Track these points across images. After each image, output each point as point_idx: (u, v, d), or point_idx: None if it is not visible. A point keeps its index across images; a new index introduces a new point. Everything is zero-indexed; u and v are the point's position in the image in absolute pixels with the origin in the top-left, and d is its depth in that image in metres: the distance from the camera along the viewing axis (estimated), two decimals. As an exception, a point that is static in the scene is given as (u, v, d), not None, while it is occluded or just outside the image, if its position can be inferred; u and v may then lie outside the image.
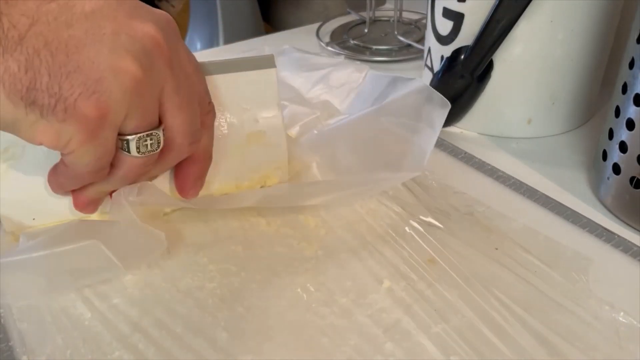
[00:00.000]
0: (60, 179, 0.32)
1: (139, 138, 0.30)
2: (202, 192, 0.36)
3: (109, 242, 0.32)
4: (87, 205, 0.34)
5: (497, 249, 0.35)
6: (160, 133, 0.30)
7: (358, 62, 0.55)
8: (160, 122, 0.31)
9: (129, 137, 0.29)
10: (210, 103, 0.34)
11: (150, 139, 0.30)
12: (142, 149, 0.30)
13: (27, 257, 0.32)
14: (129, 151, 0.30)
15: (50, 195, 0.34)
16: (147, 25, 0.28)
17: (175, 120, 0.31)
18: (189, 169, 0.35)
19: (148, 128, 0.30)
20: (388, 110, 0.39)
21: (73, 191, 0.34)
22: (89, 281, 0.33)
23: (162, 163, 0.33)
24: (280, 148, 0.39)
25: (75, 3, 0.27)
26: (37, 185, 0.34)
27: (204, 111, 0.33)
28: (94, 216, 0.35)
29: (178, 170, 0.35)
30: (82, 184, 0.32)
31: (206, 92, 0.34)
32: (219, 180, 0.38)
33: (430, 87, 0.37)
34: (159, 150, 0.31)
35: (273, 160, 0.39)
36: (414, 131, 0.38)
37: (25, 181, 0.34)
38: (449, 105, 0.36)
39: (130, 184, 0.33)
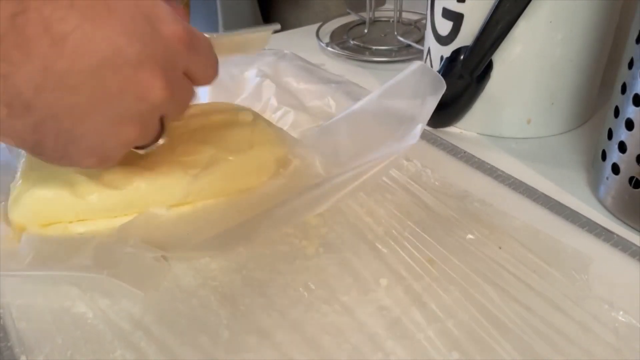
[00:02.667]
0: None
1: (144, 149, 0.32)
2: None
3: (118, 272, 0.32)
4: None
5: (500, 247, 0.35)
6: (164, 137, 0.32)
7: (360, 86, 0.55)
8: (162, 128, 0.32)
9: (136, 150, 0.32)
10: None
11: (157, 144, 0.32)
12: (153, 148, 0.32)
13: (30, 274, 0.33)
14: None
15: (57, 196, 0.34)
16: (155, 77, 0.28)
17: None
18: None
19: (153, 141, 0.32)
20: (387, 93, 0.39)
21: None
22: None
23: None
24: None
25: (82, 56, 0.25)
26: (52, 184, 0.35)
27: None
28: (100, 216, 0.36)
29: None
30: None
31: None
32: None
33: (426, 65, 0.37)
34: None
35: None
36: (411, 107, 0.38)
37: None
38: (444, 83, 0.36)
39: None
